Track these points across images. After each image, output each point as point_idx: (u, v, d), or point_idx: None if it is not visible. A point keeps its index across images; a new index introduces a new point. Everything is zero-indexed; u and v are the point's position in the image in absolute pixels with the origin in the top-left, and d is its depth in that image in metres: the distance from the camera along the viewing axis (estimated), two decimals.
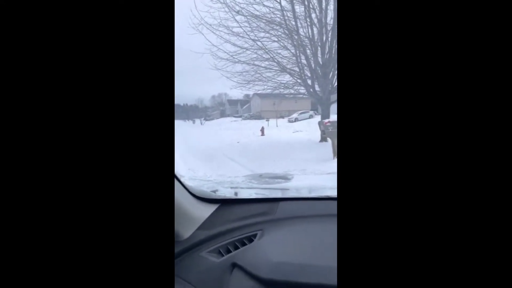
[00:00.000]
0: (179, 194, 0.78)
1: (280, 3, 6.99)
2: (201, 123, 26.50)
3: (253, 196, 1.05)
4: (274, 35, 7.29)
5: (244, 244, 0.74)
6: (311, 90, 7.70)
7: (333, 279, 0.50)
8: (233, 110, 33.60)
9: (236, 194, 1.13)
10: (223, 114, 35.64)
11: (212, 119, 33.23)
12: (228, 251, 0.74)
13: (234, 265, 0.65)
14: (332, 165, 4.42)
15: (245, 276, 0.60)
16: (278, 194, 1.12)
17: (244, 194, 1.17)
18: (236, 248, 0.74)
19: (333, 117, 6.53)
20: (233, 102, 35.16)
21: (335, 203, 0.80)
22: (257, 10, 7.04)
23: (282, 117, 18.76)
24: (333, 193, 0.91)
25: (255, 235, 0.77)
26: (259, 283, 0.57)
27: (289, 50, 7.42)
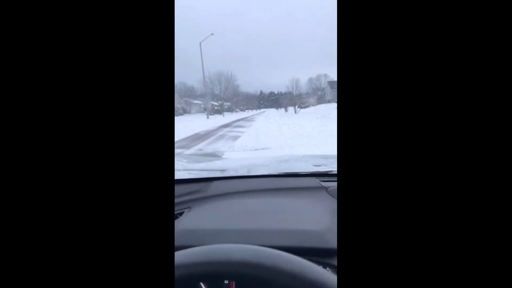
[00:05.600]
0: None
1: None
2: (295, 111, 22.14)
3: (186, 176, 1.03)
4: None
5: None
6: None
7: (237, 240, 0.55)
8: (335, 95, 27.81)
9: None
10: (321, 100, 30.32)
11: (307, 106, 28.51)
12: None
13: None
14: None
15: None
16: (217, 175, 1.07)
17: (180, 175, 1.08)
18: None
19: None
20: (335, 85, 29.28)
21: (268, 179, 0.94)
22: None
23: None
24: (266, 171, 1.00)
25: (181, 213, 0.77)
26: None
27: None
